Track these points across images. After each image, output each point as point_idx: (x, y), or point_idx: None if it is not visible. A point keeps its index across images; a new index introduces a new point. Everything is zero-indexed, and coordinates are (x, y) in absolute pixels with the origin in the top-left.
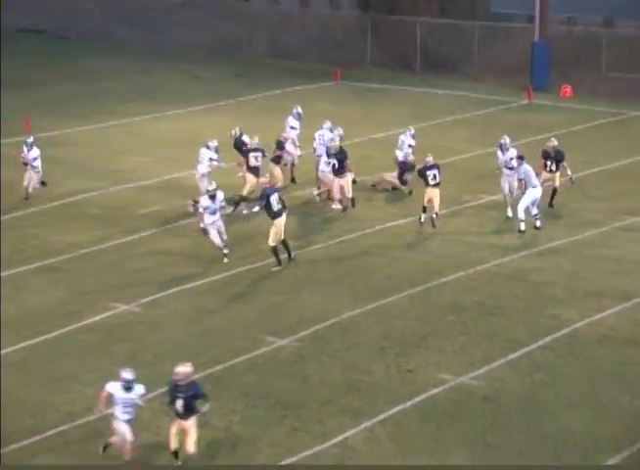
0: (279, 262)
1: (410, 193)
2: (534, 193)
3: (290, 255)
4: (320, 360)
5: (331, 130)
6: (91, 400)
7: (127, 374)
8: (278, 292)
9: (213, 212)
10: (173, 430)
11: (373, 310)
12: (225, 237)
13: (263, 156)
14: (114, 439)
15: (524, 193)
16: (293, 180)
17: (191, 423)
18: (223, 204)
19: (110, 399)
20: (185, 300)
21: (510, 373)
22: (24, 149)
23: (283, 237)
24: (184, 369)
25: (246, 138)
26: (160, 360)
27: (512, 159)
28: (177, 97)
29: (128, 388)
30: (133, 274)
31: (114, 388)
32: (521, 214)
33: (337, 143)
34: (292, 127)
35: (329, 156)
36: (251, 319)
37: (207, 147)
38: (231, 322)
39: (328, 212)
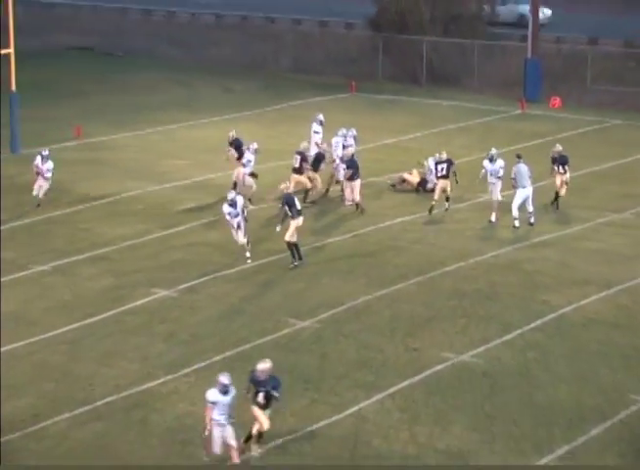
0: (295, 258)
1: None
2: (524, 192)
3: (300, 256)
4: (337, 340)
5: (346, 131)
6: (134, 374)
7: (224, 378)
8: (300, 279)
9: (236, 216)
10: (257, 415)
11: (384, 296)
12: (247, 237)
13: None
14: (215, 448)
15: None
16: (327, 191)
17: (268, 412)
18: (246, 207)
19: (213, 408)
20: (218, 286)
21: (505, 352)
22: (38, 159)
23: (295, 239)
24: (264, 366)
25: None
26: (196, 340)
27: (501, 168)
28: (211, 107)
29: (225, 392)
30: (172, 263)
31: (213, 395)
32: (515, 212)
33: (350, 151)
34: (315, 132)
35: (342, 162)
36: (276, 303)
37: (248, 149)
38: (258, 306)
39: (343, 210)
